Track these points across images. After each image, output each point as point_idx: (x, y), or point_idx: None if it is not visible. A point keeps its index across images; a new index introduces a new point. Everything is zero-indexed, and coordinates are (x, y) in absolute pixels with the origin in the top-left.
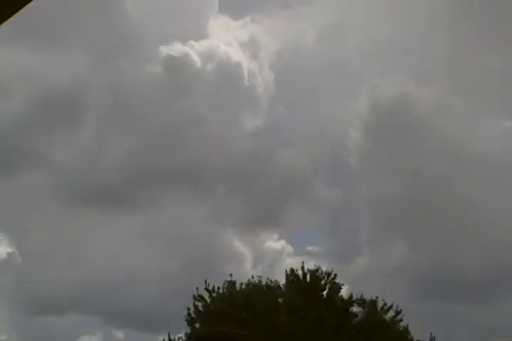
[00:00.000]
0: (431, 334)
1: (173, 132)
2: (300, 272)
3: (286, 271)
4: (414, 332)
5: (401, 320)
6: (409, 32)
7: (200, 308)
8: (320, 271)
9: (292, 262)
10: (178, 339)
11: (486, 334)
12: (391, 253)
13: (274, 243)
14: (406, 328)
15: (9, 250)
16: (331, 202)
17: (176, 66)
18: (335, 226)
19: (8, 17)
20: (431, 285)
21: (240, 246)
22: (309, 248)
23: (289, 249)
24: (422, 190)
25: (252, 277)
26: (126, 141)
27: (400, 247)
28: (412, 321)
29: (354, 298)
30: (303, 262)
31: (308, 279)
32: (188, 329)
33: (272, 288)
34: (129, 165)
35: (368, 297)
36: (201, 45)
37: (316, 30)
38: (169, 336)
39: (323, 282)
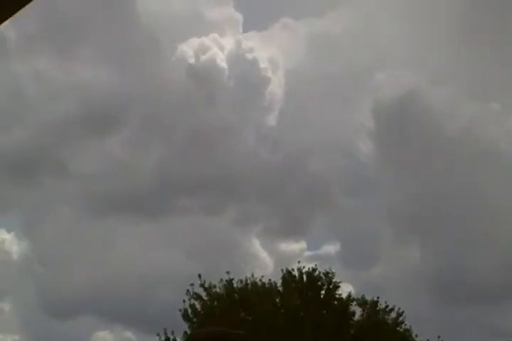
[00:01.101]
0: (439, 337)
1: (200, 142)
2: (297, 272)
3: (282, 271)
4: (426, 335)
5: (402, 322)
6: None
7: (197, 306)
8: (318, 271)
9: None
10: (173, 339)
11: (502, 337)
12: (408, 259)
13: (295, 250)
14: (408, 330)
15: (29, 253)
16: (350, 210)
17: (203, 76)
18: (354, 233)
19: (8, 17)
20: (447, 289)
21: (263, 253)
22: (330, 255)
23: (309, 255)
24: (439, 194)
25: (252, 275)
26: (153, 150)
27: (416, 253)
28: (427, 325)
29: (355, 298)
30: (299, 261)
31: (305, 279)
32: (185, 328)
33: (268, 288)
34: (155, 173)
35: (369, 298)
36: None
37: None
38: (165, 333)
39: (320, 282)
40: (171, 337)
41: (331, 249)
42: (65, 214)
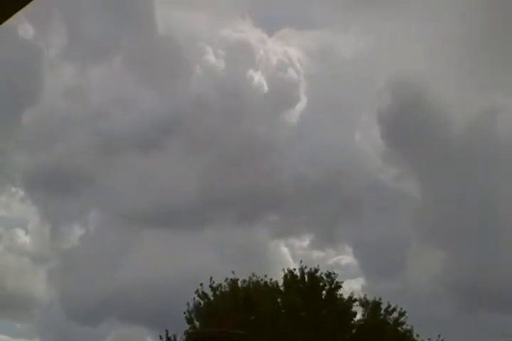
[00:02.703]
0: (439, 336)
1: (237, 155)
2: (298, 272)
3: (284, 271)
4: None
5: (404, 322)
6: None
7: (202, 306)
8: (320, 272)
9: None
10: (174, 336)
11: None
12: (432, 267)
13: (324, 259)
14: (409, 330)
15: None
16: (377, 222)
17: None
18: (379, 243)
19: (8, 17)
20: (470, 295)
21: (294, 262)
22: (355, 264)
23: (336, 263)
24: (461, 203)
25: (254, 275)
26: (194, 165)
27: (440, 261)
28: (451, 331)
29: (356, 298)
30: (301, 261)
31: (306, 279)
32: (187, 327)
33: (270, 288)
34: (195, 188)
35: (370, 298)
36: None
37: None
38: (167, 334)
39: (322, 283)
40: (172, 338)
41: (357, 257)
42: (104, 226)
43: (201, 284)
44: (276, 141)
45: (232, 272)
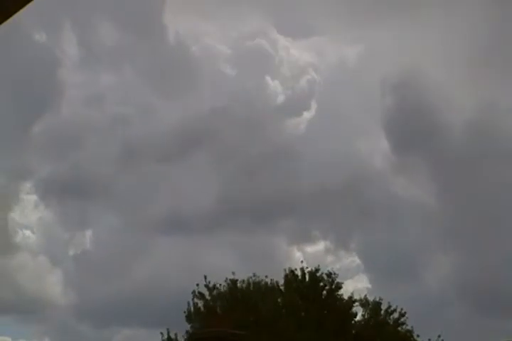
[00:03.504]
0: (439, 336)
1: (254, 163)
2: (299, 272)
3: (285, 271)
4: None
5: (404, 323)
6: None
7: (200, 306)
8: (320, 272)
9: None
10: (176, 335)
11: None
12: (444, 270)
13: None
14: (410, 331)
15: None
16: (390, 226)
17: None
18: (392, 248)
19: (8, 17)
20: (481, 300)
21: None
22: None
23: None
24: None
25: (254, 275)
26: (207, 172)
27: (452, 264)
28: (459, 334)
29: (357, 299)
30: (302, 261)
31: (307, 279)
32: (187, 327)
33: (271, 288)
34: (208, 194)
35: (371, 298)
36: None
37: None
38: (168, 333)
39: (322, 283)
40: (173, 337)
41: (368, 262)
42: (119, 232)
43: (197, 284)
44: (291, 148)
45: (232, 273)
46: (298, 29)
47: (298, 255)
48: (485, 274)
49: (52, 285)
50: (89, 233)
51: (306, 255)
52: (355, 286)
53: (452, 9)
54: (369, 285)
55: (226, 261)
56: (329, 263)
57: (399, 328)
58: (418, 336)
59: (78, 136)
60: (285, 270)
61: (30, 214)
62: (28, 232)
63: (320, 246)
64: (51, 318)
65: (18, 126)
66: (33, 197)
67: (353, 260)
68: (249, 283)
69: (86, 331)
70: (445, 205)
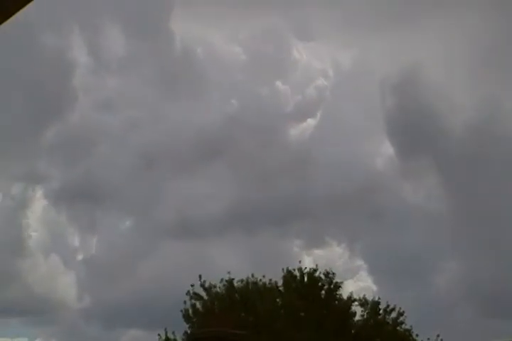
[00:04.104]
0: (438, 336)
1: (267, 168)
2: (297, 272)
3: (283, 271)
4: None
5: (403, 322)
6: None
7: (198, 306)
8: (318, 272)
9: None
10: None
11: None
12: (450, 273)
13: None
14: (408, 330)
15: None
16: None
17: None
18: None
19: (8, 17)
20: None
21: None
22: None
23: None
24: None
25: (252, 275)
26: (221, 177)
27: (459, 266)
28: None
29: (356, 299)
30: (300, 261)
31: (305, 279)
32: (186, 328)
33: (269, 288)
34: (221, 199)
35: (370, 298)
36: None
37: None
38: (166, 333)
39: (321, 283)
40: (172, 337)
41: (378, 267)
42: (131, 236)
43: (192, 285)
44: (303, 154)
45: (228, 272)
46: (307, 33)
47: (310, 259)
48: (493, 277)
49: (63, 287)
50: (99, 237)
51: (318, 259)
52: (361, 288)
53: (452, 10)
54: (374, 288)
55: (239, 265)
56: (338, 267)
57: (398, 328)
58: (417, 335)
59: (90, 141)
60: (283, 270)
61: (41, 219)
62: (39, 236)
63: (331, 250)
64: (60, 320)
65: (30, 131)
66: (45, 202)
67: (361, 264)
68: (247, 283)
69: (93, 332)
70: (453, 208)
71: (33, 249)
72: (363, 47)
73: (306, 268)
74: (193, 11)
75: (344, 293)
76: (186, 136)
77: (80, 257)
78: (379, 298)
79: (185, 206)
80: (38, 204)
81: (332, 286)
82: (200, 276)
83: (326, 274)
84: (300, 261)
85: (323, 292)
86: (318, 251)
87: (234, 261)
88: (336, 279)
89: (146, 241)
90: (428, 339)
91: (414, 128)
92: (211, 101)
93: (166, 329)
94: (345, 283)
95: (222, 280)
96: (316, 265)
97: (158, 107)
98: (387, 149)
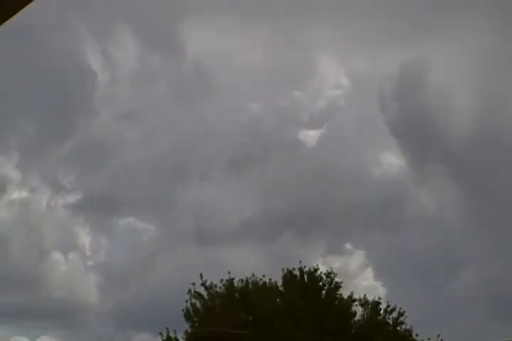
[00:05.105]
0: (438, 335)
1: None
2: (298, 272)
3: (283, 270)
4: None
5: (403, 322)
6: None
7: (199, 306)
8: (319, 272)
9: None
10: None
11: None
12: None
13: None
14: (409, 330)
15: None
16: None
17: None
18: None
19: (8, 17)
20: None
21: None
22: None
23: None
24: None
25: (253, 275)
26: (248, 186)
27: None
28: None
29: (356, 298)
30: (300, 261)
31: (306, 279)
32: (187, 327)
33: (269, 288)
34: (246, 208)
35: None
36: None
37: None
38: (167, 333)
39: (321, 282)
40: (173, 336)
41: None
42: (152, 243)
43: (193, 284)
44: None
45: (228, 272)
46: (320, 42)
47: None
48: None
49: (80, 290)
50: (117, 243)
51: (337, 267)
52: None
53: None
54: (389, 296)
55: (259, 272)
56: (354, 273)
57: (398, 327)
58: (417, 335)
59: (109, 151)
60: (283, 270)
61: (62, 227)
62: (59, 242)
63: (349, 258)
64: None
65: (50, 141)
66: (66, 211)
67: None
68: (247, 283)
69: (105, 333)
70: (467, 213)
71: (51, 253)
72: (374, 58)
73: (305, 267)
74: (207, 21)
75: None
76: (204, 145)
77: (95, 262)
78: (379, 298)
79: (204, 214)
80: (58, 212)
81: (332, 286)
82: (201, 275)
83: (327, 274)
84: (301, 261)
85: (323, 292)
86: (336, 259)
87: (255, 268)
88: (352, 290)
89: (163, 248)
90: (428, 339)
91: (424, 136)
92: (227, 109)
93: (167, 328)
94: (360, 289)
95: (222, 280)
96: (317, 264)
97: (175, 117)
98: (399, 158)
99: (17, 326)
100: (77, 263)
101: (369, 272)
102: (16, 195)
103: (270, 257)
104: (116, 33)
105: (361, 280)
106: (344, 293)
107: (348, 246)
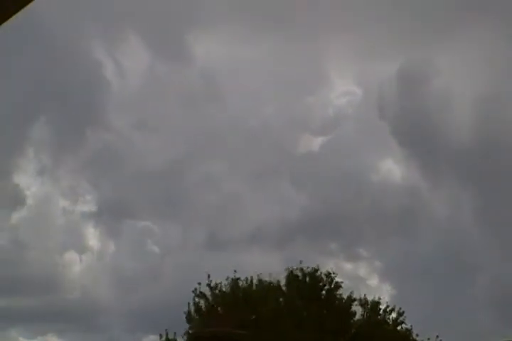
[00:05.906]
0: (437, 337)
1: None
2: (299, 272)
3: (286, 271)
4: None
5: (403, 322)
6: None
7: (201, 306)
8: (319, 272)
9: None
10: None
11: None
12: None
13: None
14: (408, 330)
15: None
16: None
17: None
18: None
19: (8, 17)
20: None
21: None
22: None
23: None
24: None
25: (258, 275)
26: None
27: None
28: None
29: (356, 298)
30: (301, 261)
31: (307, 279)
32: (187, 327)
33: (272, 287)
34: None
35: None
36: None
37: None
38: (167, 334)
39: (322, 283)
40: (172, 337)
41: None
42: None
43: (199, 283)
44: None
45: (234, 271)
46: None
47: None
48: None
49: (96, 293)
50: (137, 247)
51: (349, 272)
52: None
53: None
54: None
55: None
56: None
57: (398, 327)
58: (417, 335)
59: (122, 157)
60: (285, 270)
61: (77, 232)
62: (78, 245)
63: (363, 264)
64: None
65: (66, 148)
66: (81, 216)
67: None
68: (251, 283)
69: (117, 335)
70: (480, 217)
71: (65, 257)
72: (388, 66)
73: (308, 267)
74: (219, 31)
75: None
76: (215, 150)
77: (109, 266)
78: (379, 298)
79: (215, 220)
80: (73, 217)
81: (332, 286)
82: (208, 275)
83: (327, 274)
84: (301, 261)
85: (323, 292)
86: (349, 265)
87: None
88: (368, 296)
89: (176, 252)
90: (428, 339)
91: (434, 145)
92: (237, 116)
93: (166, 330)
94: (373, 295)
95: (228, 278)
96: (318, 265)
97: (187, 123)
98: (408, 167)
99: (26, 328)
100: (91, 266)
101: (379, 276)
102: (32, 201)
103: (284, 262)
104: (127, 42)
105: (371, 283)
106: (356, 296)
107: (361, 251)
